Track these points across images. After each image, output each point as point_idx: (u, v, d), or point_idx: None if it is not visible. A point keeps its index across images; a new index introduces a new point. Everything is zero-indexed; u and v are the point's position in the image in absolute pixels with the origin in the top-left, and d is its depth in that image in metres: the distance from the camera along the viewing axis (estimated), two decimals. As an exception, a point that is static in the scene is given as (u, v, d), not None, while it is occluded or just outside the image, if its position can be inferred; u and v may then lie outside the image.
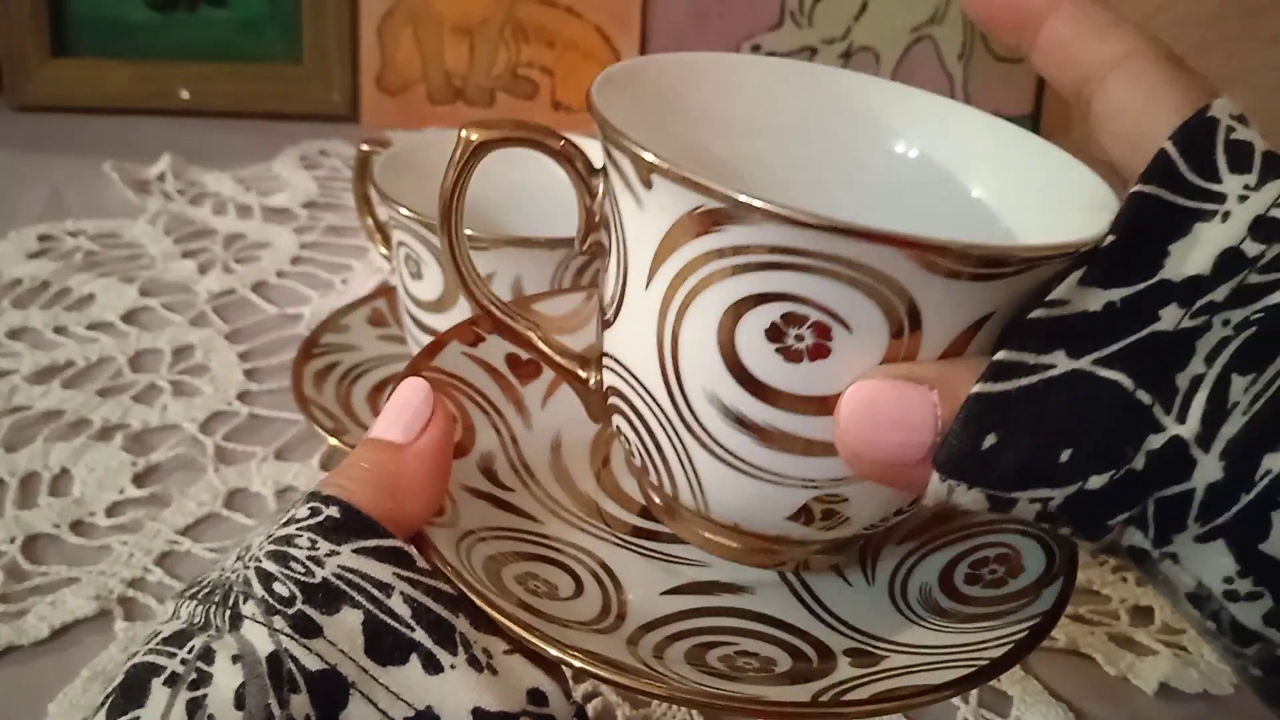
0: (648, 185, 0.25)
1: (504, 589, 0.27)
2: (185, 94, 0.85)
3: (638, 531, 0.32)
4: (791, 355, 0.25)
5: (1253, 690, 0.26)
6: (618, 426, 0.29)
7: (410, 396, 0.28)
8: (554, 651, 0.25)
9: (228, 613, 0.24)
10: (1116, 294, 0.24)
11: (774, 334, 0.24)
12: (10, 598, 0.40)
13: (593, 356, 0.30)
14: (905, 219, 0.32)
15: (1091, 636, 0.42)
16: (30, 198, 0.70)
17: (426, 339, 0.47)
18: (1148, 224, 0.24)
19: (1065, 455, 0.23)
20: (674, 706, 0.37)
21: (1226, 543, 0.23)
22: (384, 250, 0.53)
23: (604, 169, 0.27)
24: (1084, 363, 0.24)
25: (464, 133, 0.28)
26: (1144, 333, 0.24)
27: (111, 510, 0.44)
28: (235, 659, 0.23)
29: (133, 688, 0.23)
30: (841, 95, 0.32)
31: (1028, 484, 0.23)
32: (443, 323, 0.46)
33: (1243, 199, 0.24)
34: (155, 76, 0.84)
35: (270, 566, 0.25)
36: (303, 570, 0.24)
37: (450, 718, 0.24)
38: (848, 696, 0.25)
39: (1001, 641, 0.26)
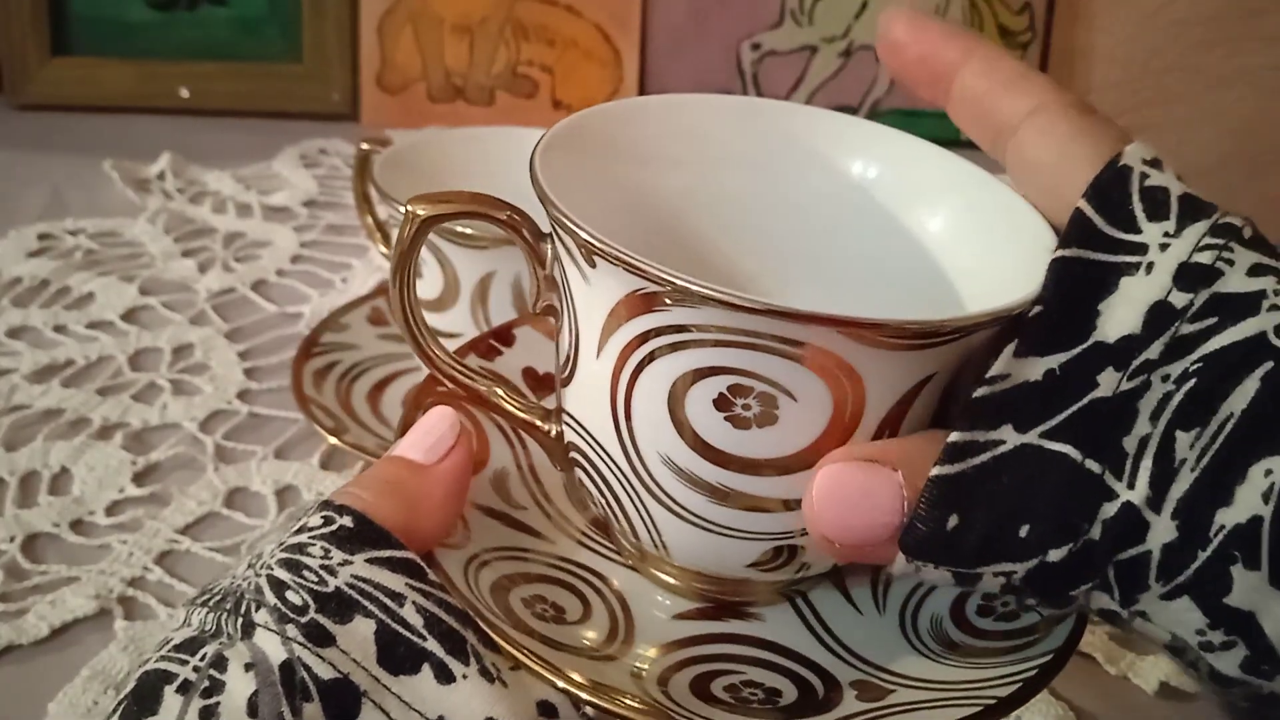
0: (592, 264, 0.26)
1: (510, 612, 0.27)
2: (185, 93, 0.85)
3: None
4: (740, 423, 0.25)
5: None
6: (579, 478, 0.30)
7: (437, 423, 0.29)
8: (558, 681, 0.25)
9: (240, 620, 0.24)
10: (1055, 360, 0.24)
11: (722, 404, 0.25)
12: (10, 597, 0.40)
13: (553, 409, 0.30)
14: (855, 252, 0.32)
15: (1092, 635, 0.42)
16: (30, 196, 0.70)
17: (426, 338, 0.47)
18: (1074, 287, 0.24)
19: (1024, 531, 0.23)
20: None
21: (1191, 599, 0.23)
22: (384, 249, 0.53)
23: (551, 235, 0.28)
24: (1031, 436, 0.24)
25: (410, 208, 0.28)
26: (1085, 401, 0.24)
27: (111, 509, 0.44)
28: (248, 667, 0.23)
29: (145, 695, 0.23)
30: (789, 128, 0.33)
31: (990, 560, 0.24)
32: (443, 322, 0.46)
33: (1164, 247, 0.24)
34: (155, 75, 0.84)
35: (283, 574, 0.25)
36: (316, 579, 0.25)
37: None
38: None
39: (1010, 679, 0.26)
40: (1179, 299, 0.24)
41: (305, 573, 0.25)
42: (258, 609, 0.24)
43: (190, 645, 0.24)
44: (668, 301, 0.24)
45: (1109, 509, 0.23)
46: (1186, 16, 0.98)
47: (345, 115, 0.87)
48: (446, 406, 0.29)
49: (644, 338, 0.25)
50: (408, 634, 0.25)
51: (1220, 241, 0.24)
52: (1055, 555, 0.23)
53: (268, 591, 0.25)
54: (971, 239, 0.30)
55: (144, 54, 0.84)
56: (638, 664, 0.28)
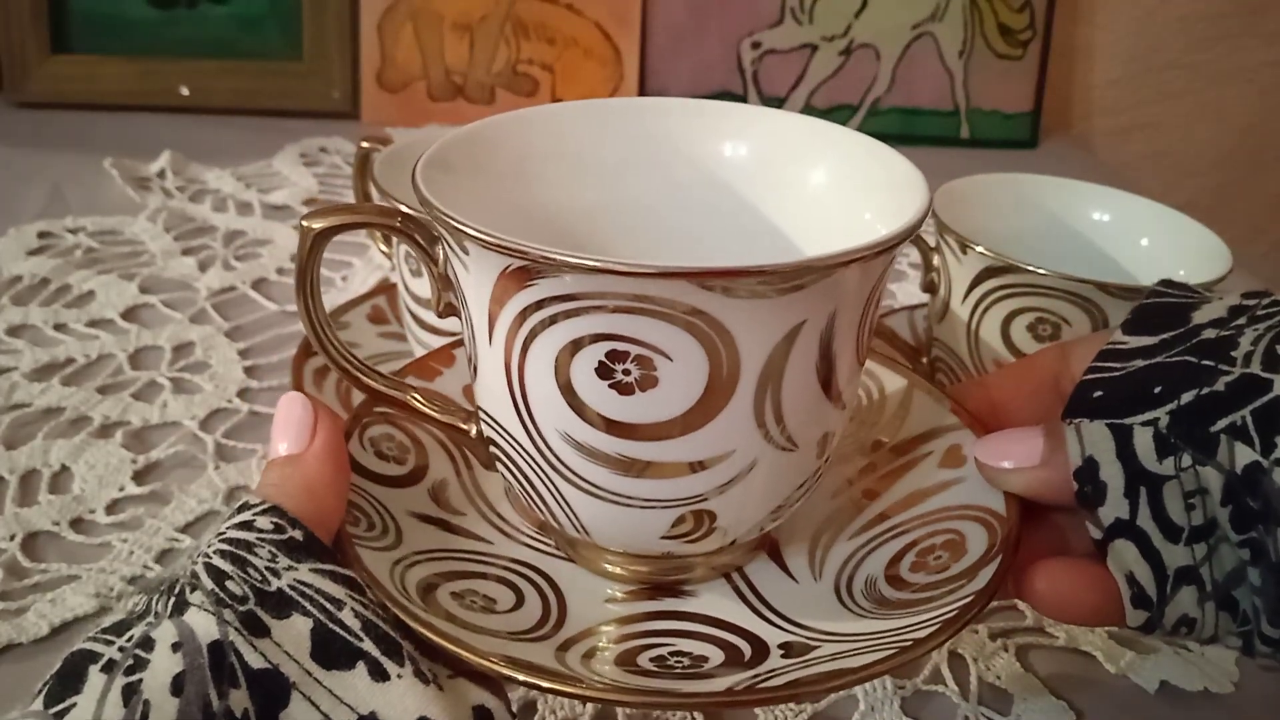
0: (465, 251, 0.26)
1: (434, 604, 0.27)
2: (185, 91, 0.85)
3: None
4: (624, 389, 0.26)
5: None
6: (501, 472, 0.31)
7: (289, 410, 0.29)
8: (464, 654, 0.25)
9: (171, 600, 0.25)
10: (1165, 333, 0.30)
11: (603, 372, 0.26)
12: (10, 595, 0.40)
13: (472, 410, 0.31)
14: (736, 229, 0.33)
15: (1092, 634, 0.42)
16: (30, 194, 0.70)
17: (426, 336, 0.47)
18: (1167, 304, 0.31)
19: (1158, 389, 0.28)
20: None
21: None
22: (384, 247, 0.53)
23: (440, 236, 0.28)
24: (1158, 359, 0.29)
25: (304, 223, 0.28)
26: (1196, 340, 0.29)
27: (111, 508, 0.44)
28: (175, 647, 0.23)
29: (69, 675, 0.23)
30: (654, 124, 0.34)
31: (1134, 410, 0.28)
32: (446, 321, 0.46)
33: (1221, 296, 0.31)
34: (155, 73, 0.84)
35: (224, 565, 0.25)
36: (259, 578, 0.25)
37: None
38: (763, 685, 0.26)
39: (930, 623, 0.27)
40: (1249, 301, 0.30)
41: (249, 570, 0.25)
42: (192, 591, 0.25)
43: (118, 627, 0.24)
44: (534, 274, 0.25)
45: (1230, 375, 0.28)
46: (1187, 13, 0.98)
47: (345, 113, 0.87)
48: (292, 392, 0.30)
49: (522, 316, 0.26)
50: (344, 634, 0.25)
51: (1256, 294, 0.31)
52: (1188, 398, 0.28)
53: (204, 577, 0.25)
54: (848, 193, 0.31)
55: (144, 51, 0.84)
56: (564, 644, 0.28)
